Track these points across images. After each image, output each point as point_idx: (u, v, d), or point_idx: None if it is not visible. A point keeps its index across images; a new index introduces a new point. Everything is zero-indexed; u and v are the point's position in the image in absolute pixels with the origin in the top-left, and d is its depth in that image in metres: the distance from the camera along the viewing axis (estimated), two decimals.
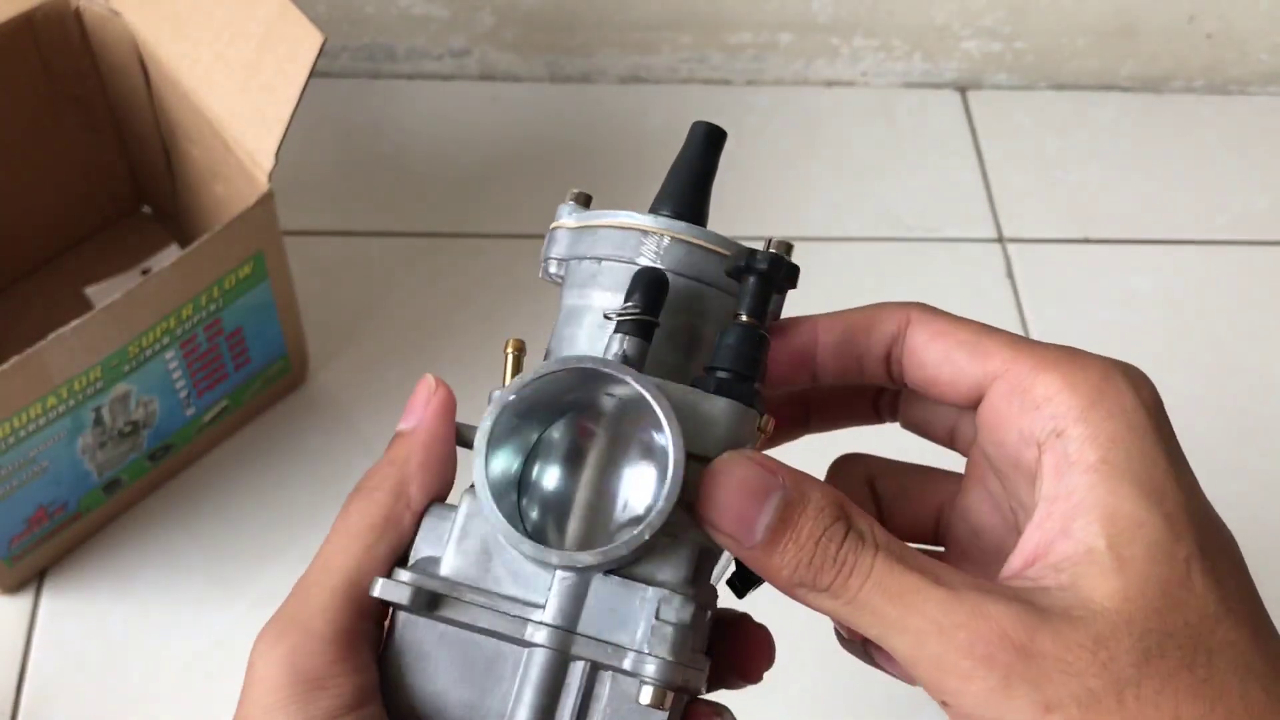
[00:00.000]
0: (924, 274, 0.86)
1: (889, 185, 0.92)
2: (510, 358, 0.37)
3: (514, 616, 0.33)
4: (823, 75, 0.98)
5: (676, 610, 0.33)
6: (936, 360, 0.36)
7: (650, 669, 0.32)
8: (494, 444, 0.33)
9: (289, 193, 0.68)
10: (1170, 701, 0.30)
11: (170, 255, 0.80)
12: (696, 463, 0.33)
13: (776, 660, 0.38)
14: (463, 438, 0.36)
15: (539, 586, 0.33)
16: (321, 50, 0.61)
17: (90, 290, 0.79)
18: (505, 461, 0.34)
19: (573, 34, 0.94)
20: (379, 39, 0.93)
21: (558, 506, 0.34)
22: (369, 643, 0.34)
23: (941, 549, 0.40)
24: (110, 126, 0.77)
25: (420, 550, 0.35)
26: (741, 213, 0.88)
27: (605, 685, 0.33)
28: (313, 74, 0.61)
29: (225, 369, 0.70)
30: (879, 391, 0.41)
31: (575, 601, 0.33)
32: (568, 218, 0.39)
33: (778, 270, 0.35)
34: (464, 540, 0.34)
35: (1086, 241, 0.91)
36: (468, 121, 0.93)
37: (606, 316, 0.35)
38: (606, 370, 0.32)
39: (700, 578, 0.34)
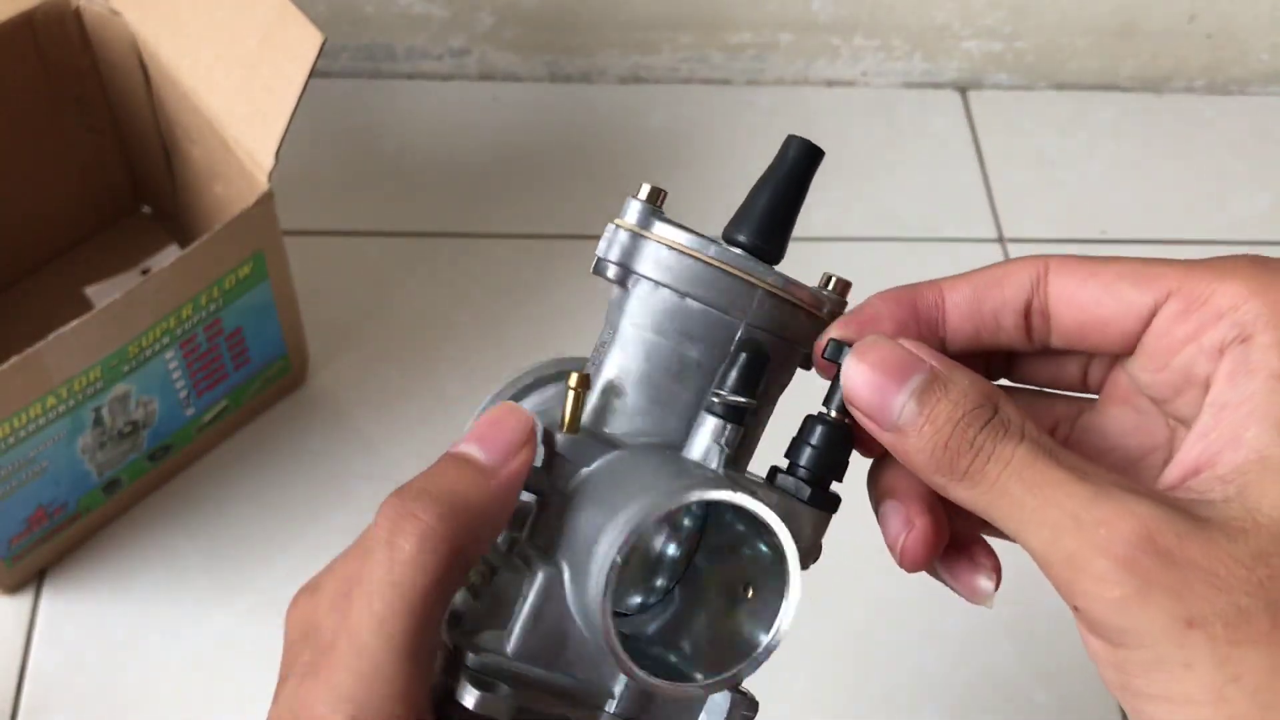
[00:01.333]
0: (924, 274, 0.86)
1: (889, 185, 0.92)
2: (572, 394, 0.34)
3: (587, 709, 0.33)
4: (823, 75, 0.98)
5: (743, 713, 0.33)
6: (1096, 298, 0.33)
7: None
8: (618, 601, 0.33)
9: (289, 193, 0.68)
10: None
11: (170, 255, 0.80)
12: None
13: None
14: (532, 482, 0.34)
15: (606, 671, 0.33)
16: (321, 50, 0.61)
17: (90, 290, 0.79)
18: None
19: (573, 34, 0.94)
20: (379, 39, 0.93)
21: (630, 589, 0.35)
22: (424, 708, 0.32)
23: None
24: (110, 126, 0.77)
25: (484, 612, 0.34)
26: None
27: None
28: (313, 74, 0.61)
29: (225, 369, 0.70)
30: (989, 355, 0.37)
31: (644, 698, 0.34)
32: (643, 219, 0.35)
33: None
34: (539, 623, 0.33)
35: (1086, 241, 0.90)
36: (468, 121, 0.93)
37: (714, 396, 0.33)
38: (759, 515, 0.31)
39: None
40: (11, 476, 0.62)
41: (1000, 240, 0.89)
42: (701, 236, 0.34)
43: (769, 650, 0.31)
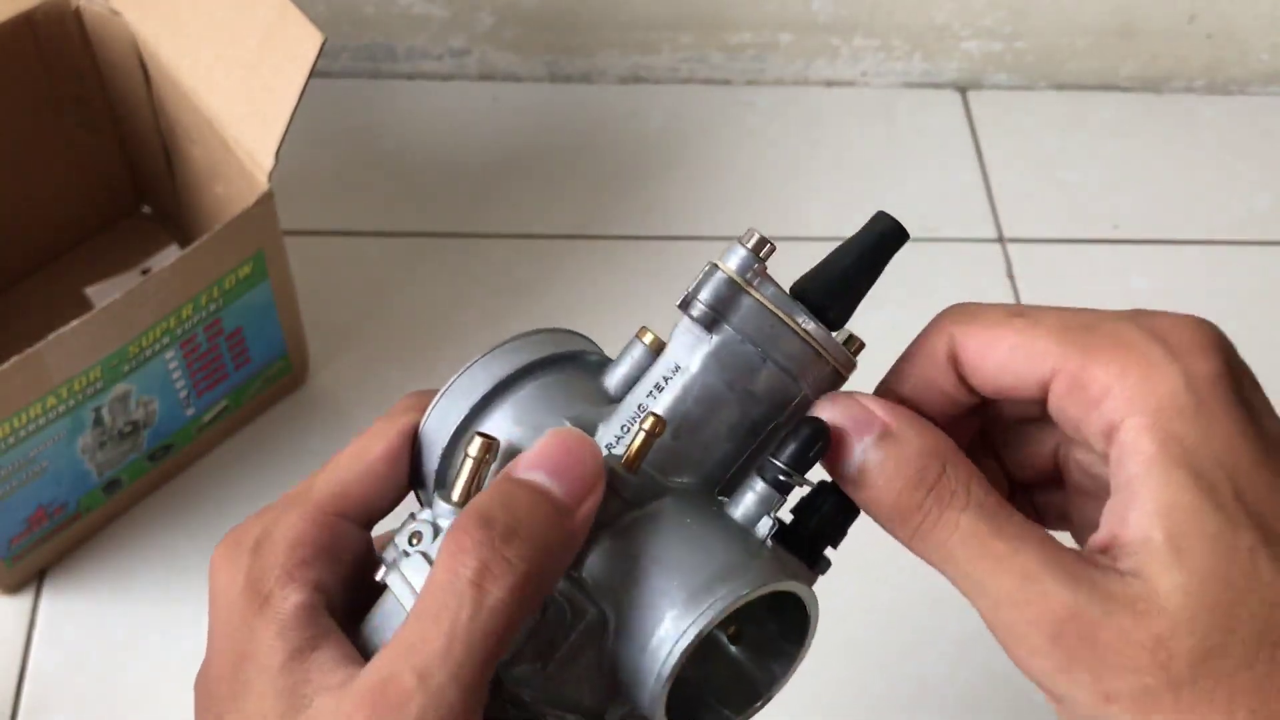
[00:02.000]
0: (924, 274, 0.86)
1: (889, 185, 0.92)
2: (642, 435, 0.33)
3: None
4: (823, 75, 0.98)
5: None
6: (996, 372, 0.35)
7: None
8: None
9: (289, 193, 0.68)
10: (1224, 697, 0.30)
11: (170, 255, 0.80)
12: None
13: None
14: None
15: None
16: (321, 50, 0.61)
17: (90, 290, 0.79)
18: None
19: (573, 34, 0.94)
20: (379, 39, 0.93)
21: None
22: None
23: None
24: (110, 126, 0.77)
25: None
26: (742, 213, 0.88)
27: None
28: (313, 74, 0.61)
29: (225, 369, 0.70)
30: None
31: None
32: (742, 269, 0.34)
33: None
34: (572, 665, 0.33)
35: (1086, 241, 0.90)
36: (468, 121, 0.93)
37: (773, 463, 0.33)
38: (805, 602, 0.33)
39: None
40: (11, 476, 0.62)
41: (1000, 240, 0.89)
42: (788, 296, 0.35)
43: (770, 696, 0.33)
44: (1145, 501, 0.32)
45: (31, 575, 0.70)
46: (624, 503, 0.33)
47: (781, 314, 0.34)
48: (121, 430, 0.67)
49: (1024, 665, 0.32)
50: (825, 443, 0.33)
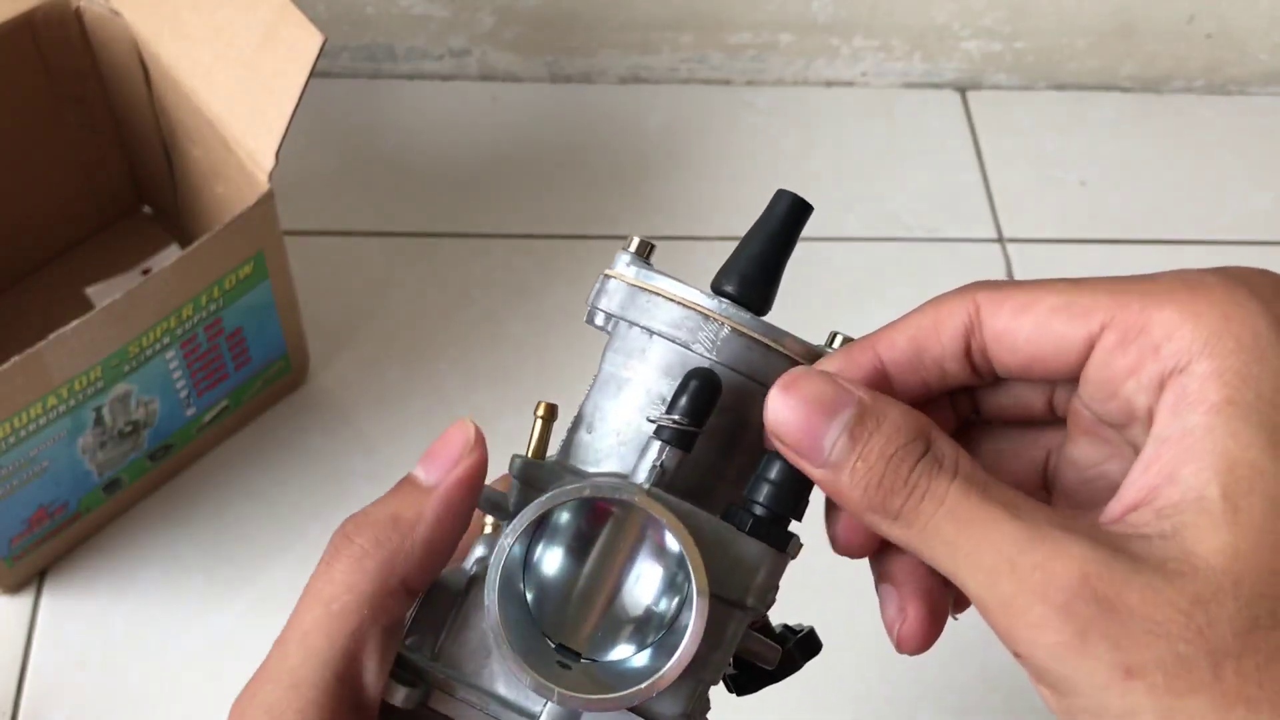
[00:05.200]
0: (924, 274, 0.86)
1: (889, 185, 0.92)
2: (539, 424, 0.34)
3: None
4: (823, 75, 0.98)
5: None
6: (1031, 336, 0.32)
7: None
8: (506, 588, 0.31)
9: (289, 193, 0.68)
10: (1274, 679, 0.26)
11: (170, 255, 0.80)
12: (720, 605, 0.32)
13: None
14: (489, 500, 0.34)
15: (533, 696, 0.32)
16: (321, 50, 0.61)
17: (90, 290, 0.79)
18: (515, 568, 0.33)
19: (573, 34, 0.94)
20: (379, 39, 0.93)
21: (564, 598, 0.33)
22: None
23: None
24: (110, 126, 0.77)
25: (419, 617, 0.34)
26: (742, 213, 0.87)
27: None
28: (313, 74, 0.61)
29: (225, 369, 0.70)
30: (951, 393, 0.36)
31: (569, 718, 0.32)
32: (625, 268, 0.36)
33: None
34: (464, 631, 0.33)
35: (1086, 241, 0.91)
36: (468, 121, 0.93)
37: (649, 419, 0.33)
38: (640, 507, 0.31)
39: (699, 705, 0.34)
40: (12, 476, 0.63)
41: (1000, 240, 0.89)
42: (684, 284, 0.35)
43: (655, 685, 0.30)
44: (1204, 454, 0.28)
45: (32, 575, 0.70)
46: (530, 490, 0.33)
47: (653, 288, 0.34)
48: (122, 430, 0.67)
49: (1024, 646, 0.28)
50: (713, 388, 0.32)
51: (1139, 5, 0.95)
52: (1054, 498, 0.35)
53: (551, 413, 0.34)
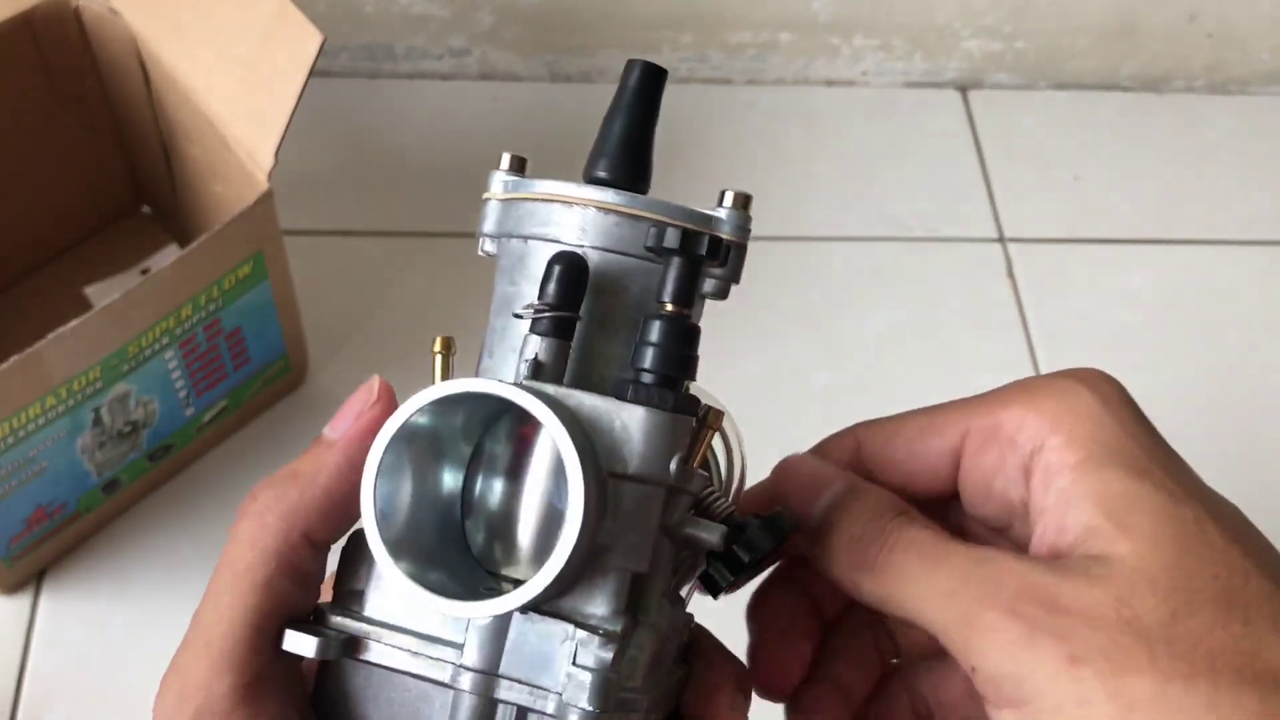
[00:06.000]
0: (924, 274, 0.86)
1: (889, 185, 0.92)
2: (439, 359, 0.34)
3: (435, 659, 0.31)
4: (823, 75, 0.98)
5: (595, 653, 0.30)
6: (903, 458, 0.36)
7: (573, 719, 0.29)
8: (388, 476, 0.30)
9: (289, 193, 0.68)
10: (1204, 658, 0.28)
11: (170, 255, 0.80)
12: (617, 481, 0.30)
13: None
14: None
15: (460, 625, 0.31)
16: (321, 50, 0.61)
17: (90, 290, 0.79)
18: (429, 485, 0.32)
19: (573, 34, 0.94)
20: (379, 38, 0.93)
21: (501, 522, 0.32)
22: (281, 686, 0.32)
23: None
24: (110, 126, 0.77)
25: (345, 577, 0.32)
26: None
27: None
28: (312, 73, 0.61)
29: (225, 369, 0.70)
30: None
31: (496, 641, 0.30)
32: (498, 186, 0.35)
33: (695, 247, 0.31)
34: (383, 579, 0.31)
35: (1086, 241, 0.90)
36: (468, 121, 0.93)
37: (516, 315, 0.32)
38: (494, 394, 0.29)
39: (644, 602, 0.32)
40: (11, 476, 0.62)
41: (1001, 240, 0.89)
42: (553, 181, 0.34)
43: (540, 580, 0.28)
44: (1081, 500, 0.32)
45: (31, 575, 0.70)
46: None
47: (513, 195, 0.34)
48: (121, 430, 0.67)
49: (980, 653, 0.30)
50: (578, 270, 0.31)
51: (1140, 5, 0.94)
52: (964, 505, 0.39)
53: (447, 346, 0.34)
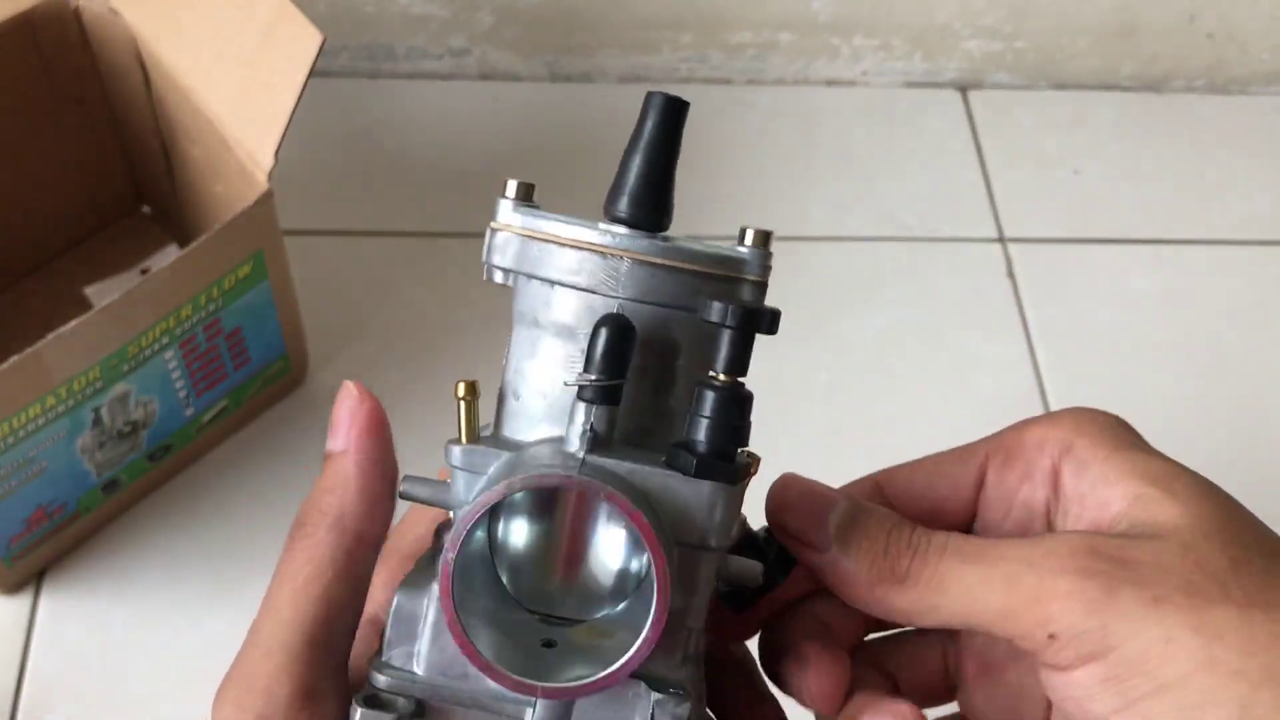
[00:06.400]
0: (924, 274, 0.86)
1: (889, 185, 0.92)
2: (463, 406, 0.33)
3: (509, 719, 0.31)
4: (823, 75, 0.98)
5: (672, 711, 0.30)
6: (927, 486, 0.37)
7: None
8: (468, 591, 0.30)
9: (289, 193, 0.68)
10: (1276, 592, 0.30)
11: (170, 255, 0.80)
12: (685, 551, 0.31)
13: None
14: (409, 496, 0.33)
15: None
16: (321, 50, 0.61)
17: (90, 290, 0.79)
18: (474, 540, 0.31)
19: (573, 34, 0.94)
20: (379, 38, 0.93)
21: (538, 569, 0.32)
22: (335, 693, 0.33)
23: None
24: (110, 126, 0.77)
25: (393, 636, 0.32)
26: (741, 212, 0.88)
27: None
28: (312, 73, 0.61)
29: (224, 369, 0.70)
30: None
31: (563, 711, 0.31)
32: (511, 216, 0.34)
33: (755, 324, 0.30)
34: (441, 635, 0.31)
35: (1086, 241, 0.90)
36: (468, 121, 0.93)
37: (567, 384, 0.31)
38: (580, 487, 0.29)
39: (694, 651, 0.32)
40: (11, 476, 0.62)
41: (1001, 240, 0.89)
42: (576, 222, 0.33)
43: (629, 664, 0.29)
44: (1123, 476, 0.33)
45: (31, 575, 0.70)
46: (470, 474, 0.32)
47: (538, 235, 0.33)
48: (121, 430, 0.67)
49: (1059, 621, 0.31)
50: (626, 334, 0.30)
51: (1140, 5, 0.94)
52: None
53: (472, 390, 0.33)
